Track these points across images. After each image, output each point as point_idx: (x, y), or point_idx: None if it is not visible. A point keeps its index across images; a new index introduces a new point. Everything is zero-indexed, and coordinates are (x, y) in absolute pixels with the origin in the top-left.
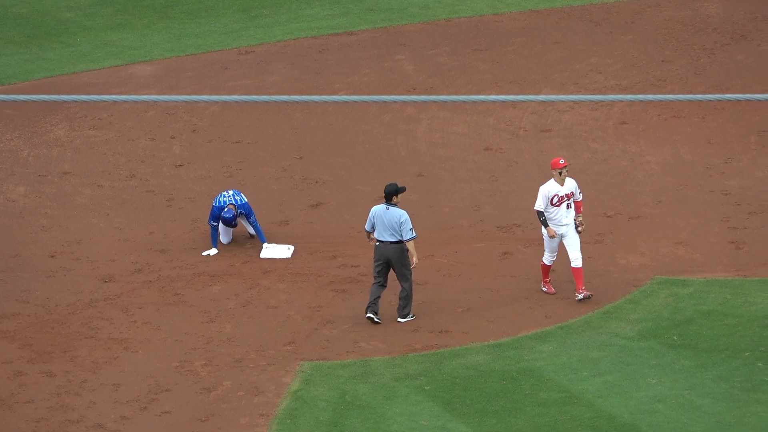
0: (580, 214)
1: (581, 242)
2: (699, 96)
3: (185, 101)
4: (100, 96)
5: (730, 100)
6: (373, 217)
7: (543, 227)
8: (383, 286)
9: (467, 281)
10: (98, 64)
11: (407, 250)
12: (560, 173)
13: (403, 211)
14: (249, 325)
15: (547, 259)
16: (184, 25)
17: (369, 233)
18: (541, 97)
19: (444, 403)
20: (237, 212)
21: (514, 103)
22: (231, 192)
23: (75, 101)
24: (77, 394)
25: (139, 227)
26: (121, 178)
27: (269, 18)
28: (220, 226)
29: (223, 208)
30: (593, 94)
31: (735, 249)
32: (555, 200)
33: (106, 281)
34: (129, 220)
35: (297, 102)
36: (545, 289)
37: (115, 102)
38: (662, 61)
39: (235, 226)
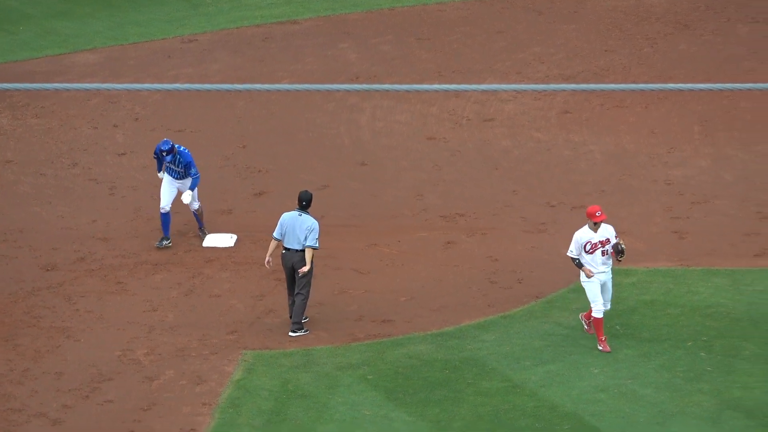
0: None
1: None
2: (642, 86)
3: (128, 89)
4: (43, 84)
5: (672, 90)
6: (284, 224)
7: (580, 270)
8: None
9: (410, 270)
10: (41, 52)
11: (311, 261)
12: (595, 224)
13: (315, 221)
14: (191, 314)
15: (597, 311)
16: (126, 13)
17: (278, 241)
18: (484, 87)
19: (386, 392)
20: (174, 149)
21: (457, 93)
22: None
23: (17, 89)
24: (19, 383)
25: (82, 216)
26: (64, 166)
27: (212, 6)
28: (165, 182)
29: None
30: (536, 83)
31: (678, 239)
32: (588, 247)
33: (48, 270)
34: (71, 208)
35: (240, 90)
36: (600, 348)
37: (57, 90)
38: (605, 50)
39: (170, 159)
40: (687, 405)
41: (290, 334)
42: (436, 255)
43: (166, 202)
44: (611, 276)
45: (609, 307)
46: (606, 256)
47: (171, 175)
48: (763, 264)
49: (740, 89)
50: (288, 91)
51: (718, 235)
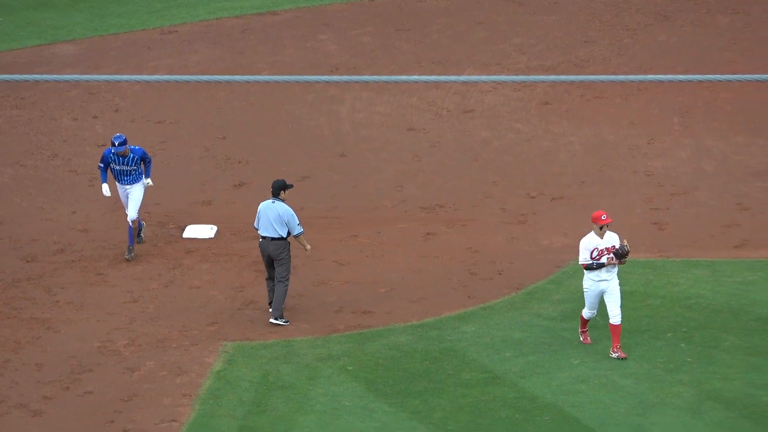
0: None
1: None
2: (621, 77)
3: (108, 81)
4: (23, 75)
5: (652, 81)
6: (260, 213)
7: (595, 270)
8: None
9: (390, 262)
10: (21, 43)
11: (288, 248)
12: (601, 228)
13: (289, 207)
14: (172, 305)
15: (587, 314)
16: (107, 4)
17: (258, 230)
18: (464, 78)
19: (367, 383)
20: (127, 148)
21: (437, 84)
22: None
23: None
24: None
25: (62, 207)
26: (44, 157)
27: None
28: (120, 194)
29: (112, 151)
30: (516, 74)
31: (658, 230)
32: (594, 254)
33: (28, 261)
34: (51, 199)
35: (220, 82)
36: (581, 339)
37: (37, 81)
38: (585, 41)
39: (120, 149)
40: (667, 396)
41: (271, 320)
42: (416, 246)
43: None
44: (617, 283)
45: (619, 321)
46: (611, 264)
47: (122, 181)
48: (742, 255)
49: (720, 80)
50: (268, 82)
51: (698, 227)
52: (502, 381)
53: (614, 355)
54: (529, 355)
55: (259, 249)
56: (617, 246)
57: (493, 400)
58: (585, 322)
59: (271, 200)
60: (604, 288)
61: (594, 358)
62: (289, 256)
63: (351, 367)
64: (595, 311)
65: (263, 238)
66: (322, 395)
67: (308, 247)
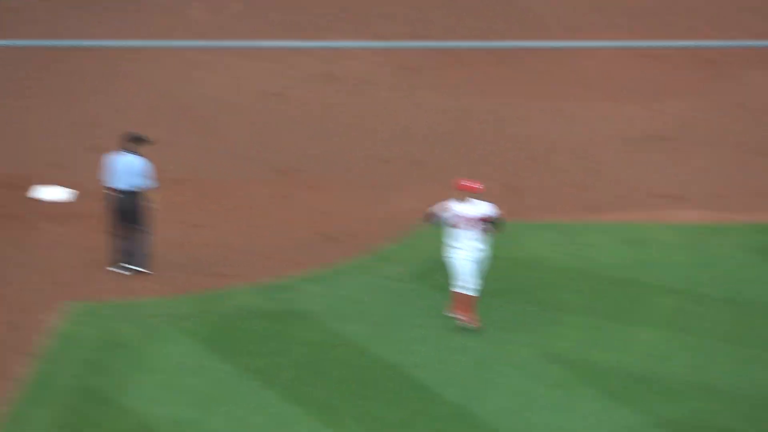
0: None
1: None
2: (494, 43)
3: None
4: None
5: (518, 48)
6: (110, 165)
7: (454, 238)
8: (123, 238)
9: (243, 224)
10: None
11: (143, 199)
12: (464, 196)
13: (141, 158)
14: (15, 264)
15: (458, 287)
16: None
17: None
18: (329, 44)
19: (212, 343)
20: None
21: (302, 49)
22: None
23: None
24: None
25: None
26: None
27: None
28: None
29: None
30: (383, 41)
31: (513, 195)
32: (452, 218)
33: None
34: None
35: (81, 47)
36: (463, 319)
37: None
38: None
39: None
40: (508, 355)
41: (135, 268)
42: (270, 209)
43: None
44: (483, 254)
45: (475, 292)
46: (465, 229)
47: None
48: (593, 218)
49: (582, 48)
50: (136, 48)
51: (551, 190)
52: (347, 343)
53: (455, 317)
54: (375, 316)
55: (109, 204)
56: (492, 215)
57: (336, 360)
58: (459, 299)
59: (121, 152)
60: (467, 256)
61: (438, 320)
62: (145, 208)
63: (198, 328)
64: (464, 282)
65: (114, 190)
66: (165, 355)
67: (156, 204)
